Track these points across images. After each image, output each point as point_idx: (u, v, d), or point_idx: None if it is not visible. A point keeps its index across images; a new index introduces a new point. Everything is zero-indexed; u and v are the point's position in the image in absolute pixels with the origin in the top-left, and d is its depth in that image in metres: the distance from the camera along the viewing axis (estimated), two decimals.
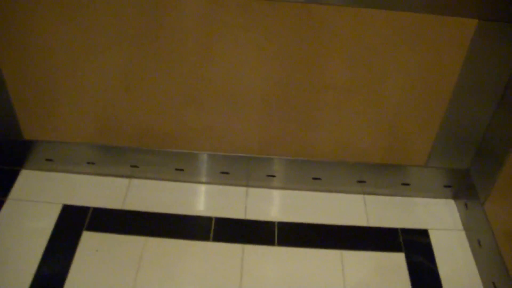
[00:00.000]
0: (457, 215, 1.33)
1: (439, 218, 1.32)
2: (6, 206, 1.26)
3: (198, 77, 1.13)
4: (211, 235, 1.23)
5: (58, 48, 1.09)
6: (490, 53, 1.05)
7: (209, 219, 1.27)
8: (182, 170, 1.33)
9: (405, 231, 1.28)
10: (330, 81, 1.12)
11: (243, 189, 1.35)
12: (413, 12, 0.99)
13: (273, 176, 1.33)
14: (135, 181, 1.35)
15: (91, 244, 1.19)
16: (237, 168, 1.32)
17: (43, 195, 1.30)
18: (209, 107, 1.19)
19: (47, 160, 1.33)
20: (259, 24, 1.03)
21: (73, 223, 1.24)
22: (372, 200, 1.35)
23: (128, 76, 1.14)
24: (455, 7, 0.97)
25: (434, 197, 1.37)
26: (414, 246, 1.25)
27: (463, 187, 1.31)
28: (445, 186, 1.34)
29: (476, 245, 1.21)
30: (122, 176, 1.36)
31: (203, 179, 1.35)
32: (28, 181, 1.33)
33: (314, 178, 1.33)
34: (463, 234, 1.28)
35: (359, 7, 0.99)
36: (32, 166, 1.36)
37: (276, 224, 1.27)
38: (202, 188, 1.35)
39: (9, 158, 1.35)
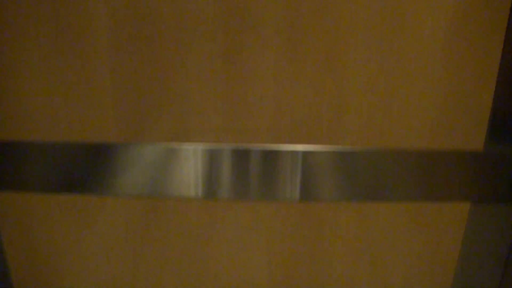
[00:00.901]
0: None
1: None
2: None
3: (204, 273, 1.13)
4: None
5: (65, 247, 1.12)
6: (487, 230, 1.08)
7: None
8: None
9: None
10: (335, 275, 1.13)
11: None
12: (408, 201, 1.04)
13: None
14: None
15: None
16: None
17: None
18: None
19: None
20: (262, 224, 1.07)
21: None
22: None
23: (134, 277, 1.14)
24: (448, 193, 1.02)
25: None
26: None
27: None
28: None
29: None
30: None
31: None
32: None
33: None
34: None
35: (356, 201, 1.04)
36: None
37: None
38: None
39: None
